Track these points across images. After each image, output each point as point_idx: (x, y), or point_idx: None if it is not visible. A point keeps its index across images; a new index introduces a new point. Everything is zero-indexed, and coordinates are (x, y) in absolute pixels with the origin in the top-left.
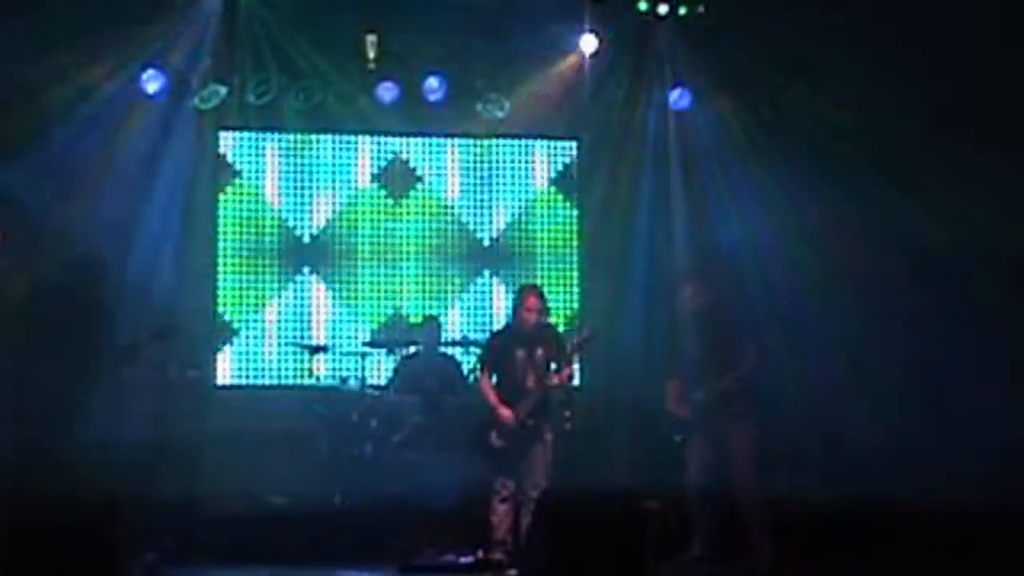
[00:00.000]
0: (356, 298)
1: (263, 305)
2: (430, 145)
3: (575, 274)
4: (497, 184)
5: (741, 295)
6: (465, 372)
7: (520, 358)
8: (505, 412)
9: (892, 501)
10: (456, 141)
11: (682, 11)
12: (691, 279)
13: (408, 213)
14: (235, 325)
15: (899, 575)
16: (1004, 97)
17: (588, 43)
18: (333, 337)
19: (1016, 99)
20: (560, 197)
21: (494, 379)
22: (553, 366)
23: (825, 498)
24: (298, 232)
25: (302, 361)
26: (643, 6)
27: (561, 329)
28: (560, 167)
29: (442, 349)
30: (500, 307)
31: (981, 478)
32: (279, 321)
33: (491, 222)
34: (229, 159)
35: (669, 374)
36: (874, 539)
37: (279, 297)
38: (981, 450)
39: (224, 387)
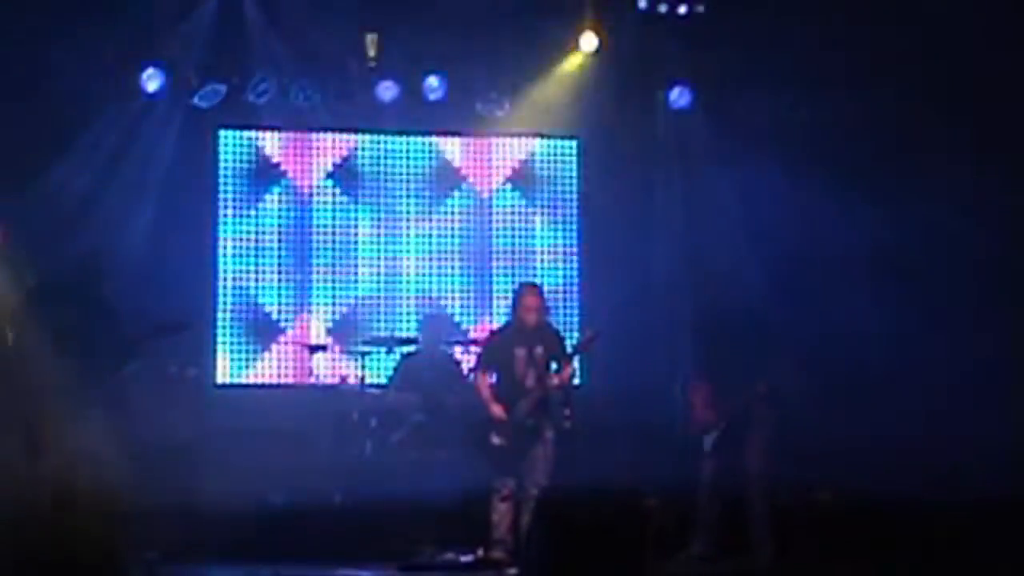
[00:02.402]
0: (356, 295)
1: (263, 303)
2: (430, 143)
3: (575, 274)
4: (497, 183)
5: (739, 294)
6: (465, 370)
7: (520, 357)
8: (497, 409)
9: (893, 499)
10: (456, 140)
11: (682, 10)
12: (718, 293)
13: (408, 211)
14: (235, 323)
15: (900, 573)
16: (1005, 99)
17: (588, 42)
18: (333, 335)
19: (1017, 100)
20: (560, 196)
21: (494, 378)
22: (554, 365)
23: (825, 495)
24: (298, 229)
25: (302, 360)
26: (643, 5)
27: (561, 329)
28: (559, 166)
29: (442, 348)
30: (500, 305)
31: (984, 476)
32: (279, 319)
33: (491, 221)
34: (229, 157)
35: (694, 383)
36: (874, 537)
37: (279, 294)
38: (983, 448)
39: (224, 386)
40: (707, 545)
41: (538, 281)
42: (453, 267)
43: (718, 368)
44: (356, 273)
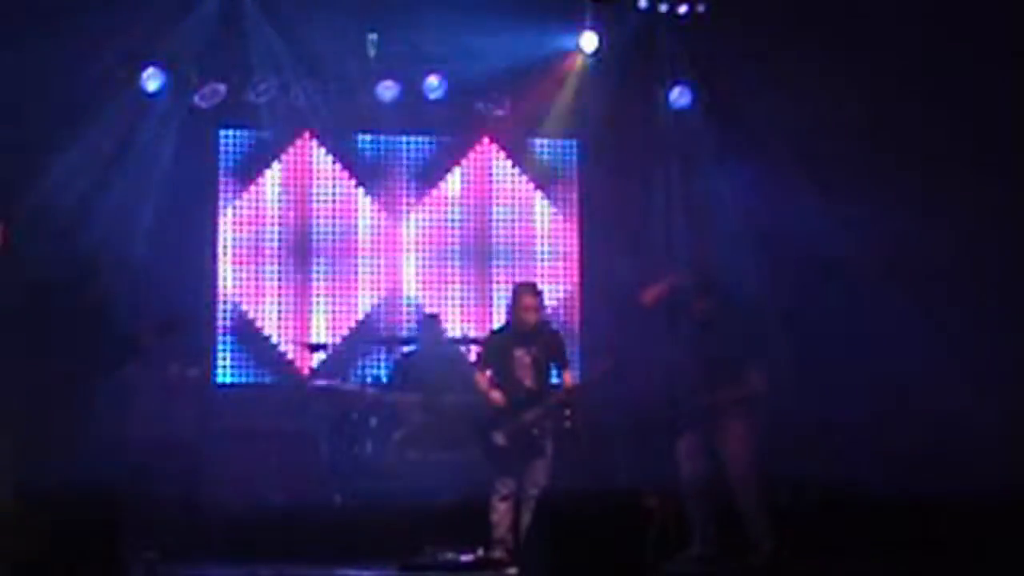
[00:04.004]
0: (356, 295)
1: (263, 302)
2: (430, 143)
3: (575, 274)
4: (497, 183)
5: (741, 293)
6: (464, 369)
7: (519, 357)
8: (496, 395)
9: (892, 496)
10: (456, 139)
11: (682, 10)
12: (700, 289)
13: (408, 211)
14: (235, 323)
15: (900, 570)
16: (1007, 100)
17: (588, 42)
18: (332, 335)
19: (1019, 101)
20: (560, 196)
21: (493, 379)
22: (553, 367)
23: (826, 493)
24: (298, 229)
25: (302, 360)
26: (643, 5)
27: (562, 330)
28: (560, 166)
29: (441, 347)
30: (499, 306)
31: (983, 474)
32: (279, 319)
33: (491, 221)
34: (229, 157)
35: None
36: (873, 535)
37: (279, 294)
38: (982, 446)
39: (224, 386)
40: (706, 545)
41: (538, 282)
42: (453, 266)
43: (704, 367)
44: (356, 270)
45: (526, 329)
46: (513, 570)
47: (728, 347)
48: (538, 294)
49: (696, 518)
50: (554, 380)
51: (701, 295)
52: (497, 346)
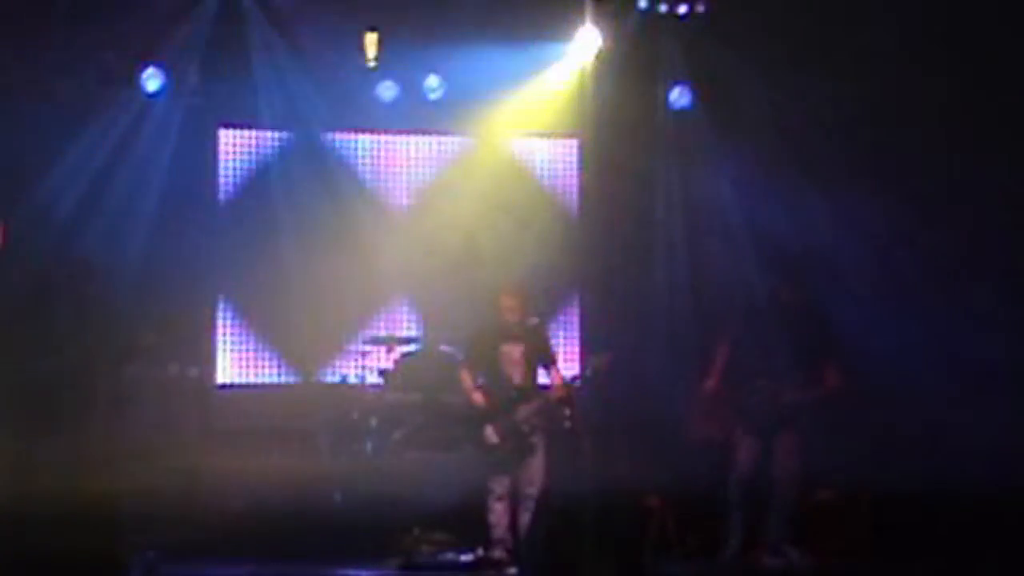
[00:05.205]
0: (356, 294)
1: (263, 303)
2: (430, 143)
3: (576, 274)
4: (497, 182)
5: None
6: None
7: (506, 353)
8: (477, 396)
9: (895, 494)
10: (456, 139)
11: (682, 10)
12: (789, 279)
13: (408, 210)
14: (235, 323)
15: (900, 570)
16: (1009, 95)
17: (588, 41)
18: (333, 335)
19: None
20: (559, 195)
21: (481, 377)
22: (541, 365)
23: (827, 493)
24: (299, 229)
25: (302, 359)
26: (643, 5)
27: (563, 328)
28: (560, 166)
29: (441, 347)
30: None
31: (984, 472)
32: (279, 319)
33: (491, 221)
34: (229, 157)
35: (694, 393)
36: (875, 533)
37: (279, 294)
38: (985, 444)
39: (224, 386)
40: (737, 544)
41: (516, 283)
42: (453, 267)
43: (744, 371)
44: (357, 274)
45: (511, 327)
46: (513, 570)
47: (808, 344)
48: (518, 295)
49: (739, 516)
50: (545, 380)
51: (791, 287)
52: (483, 343)
